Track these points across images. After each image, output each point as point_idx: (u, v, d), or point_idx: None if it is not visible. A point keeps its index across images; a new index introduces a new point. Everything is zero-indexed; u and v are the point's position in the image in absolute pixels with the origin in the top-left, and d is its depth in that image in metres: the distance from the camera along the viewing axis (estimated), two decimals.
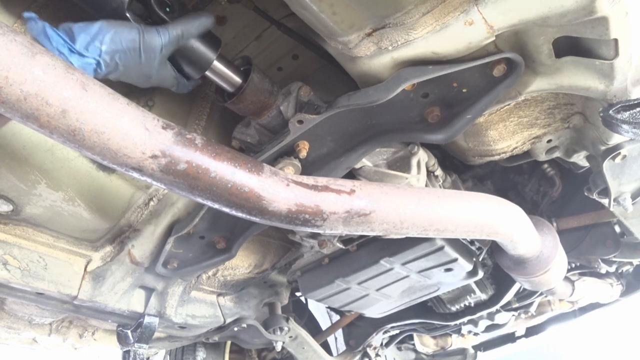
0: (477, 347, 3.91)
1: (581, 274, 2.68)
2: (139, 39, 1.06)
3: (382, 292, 2.09)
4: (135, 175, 0.86)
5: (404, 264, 1.85)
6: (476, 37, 1.07)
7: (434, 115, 1.30)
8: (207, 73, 1.25)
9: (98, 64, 1.02)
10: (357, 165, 1.49)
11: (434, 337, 3.44)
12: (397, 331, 3.19)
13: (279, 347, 2.55)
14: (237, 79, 1.30)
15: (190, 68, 1.23)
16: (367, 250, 1.89)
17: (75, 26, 1.00)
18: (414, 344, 3.42)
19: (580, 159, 1.65)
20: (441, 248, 1.74)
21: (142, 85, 1.19)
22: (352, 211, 1.02)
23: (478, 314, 2.71)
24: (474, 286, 2.51)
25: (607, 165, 1.49)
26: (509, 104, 1.39)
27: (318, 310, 3.73)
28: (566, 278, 2.52)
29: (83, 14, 1.09)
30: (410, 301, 2.28)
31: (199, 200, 0.93)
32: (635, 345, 5.68)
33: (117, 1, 1.07)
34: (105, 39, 1.02)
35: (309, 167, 1.41)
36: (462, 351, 3.86)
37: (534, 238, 1.56)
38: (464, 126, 1.27)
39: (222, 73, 1.28)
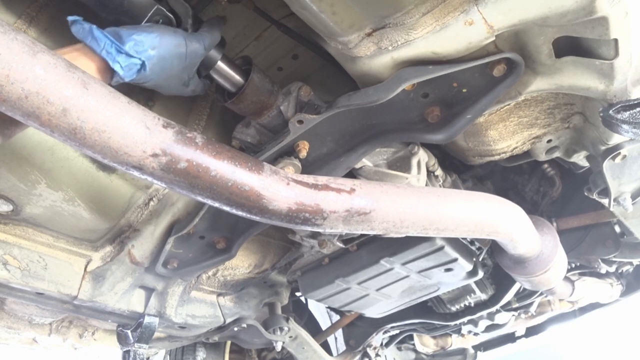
0: (477, 347, 3.91)
1: (581, 274, 2.68)
2: (185, 44, 1.09)
3: (382, 292, 2.09)
4: (136, 173, 0.86)
5: (404, 264, 1.85)
6: (476, 37, 1.07)
7: (434, 115, 1.30)
8: (209, 72, 1.25)
9: (143, 64, 1.03)
10: (357, 165, 1.49)
11: (434, 337, 3.44)
12: (397, 331, 3.19)
13: (279, 347, 2.55)
14: (238, 79, 1.30)
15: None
16: (367, 250, 1.89)
17: (122, 30, 1.02)
18: (414, 344, 3.42)
19: (580, 159, 1.65)
20: (441, 248, 1.74)
21: (179, 94, 1.22)
22: (352, 210, 1.02)
23: (478, 314, 2.71)
24: (474, 286, 2.51)
25: (607, 165, 1.49)
26: (509, 104, 1.39)
27: (318, 310, 3.73)
28: (566, 278, 2.52)
29: (85, 15, 1.09)
30: (410, 301, 2.28)
31: (199, 198, 0.93)
32: (635, 345, 5.68)
33: None
34: (155, 42, 1.04)
35: (309, 167, 1.41)
36: (462, 351, 3.86)
37: (534, 237, 1.56)
38: (464, 126, 1.27)
39: (224, 72, 1.28)
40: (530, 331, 3.60)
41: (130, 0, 1.07)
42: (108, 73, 1.00)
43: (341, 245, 1.81)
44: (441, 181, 1.76)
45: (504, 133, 1.49)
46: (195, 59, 1.14)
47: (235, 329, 2.30)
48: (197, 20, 1.21)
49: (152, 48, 1.03)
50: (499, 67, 1.18)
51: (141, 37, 1.02)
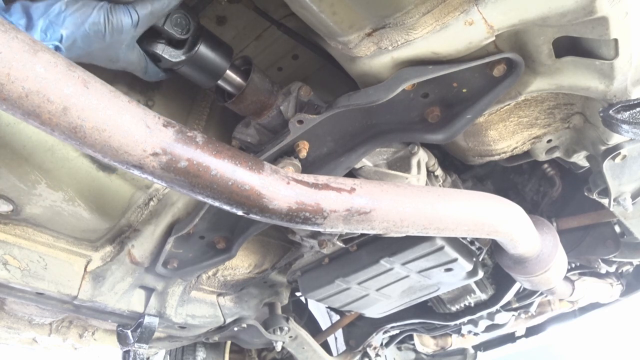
0: (477, 347, 3.91)
1: (581, 274, 2.68)
2: (104, 20, 0.99)
3: (382, 292, 2.09)
4: (136, 172, 0.86)
5: (404, 264, 1.85)
6: (476, 37, 1.07)
7: (434, 115, 1.30)
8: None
9: (57, 47, 0.96)
10: (358, 165, 1.49)
11: (434, 337, 3.44)
12: (397, 331, 3.19)
13: (279, 347, 2.55)
14: (238, 79, 1.30)
15: (202, 77, 1.22)
16: (367, 250, 1.89)
17: (33, 7, 0.93)
18: (414, 344, 3.42)
19: (580, 159, 1.65)
20: (441, 248, 1.74)
21: (108, 67, 1.12)
22: (352, 209, 1.02)
23: (478, 314, 2.71)
24: (474, 286, 2.52)
25: (607, 165, 1.49)
26: (509, 104, 1.39)
27: (318, 310, 3.73)
28: (566, 278, 2.52)
29: None
30: (410, 301, 2.28)
31: (200, 198, 0.93)
32: (635, 345, 5.68)
33: None
34: (67, 22, 0.95)
35: (309, 167, 1.41)
36: (462, 351, 3.86)
37: (534, 237, 1.56)
38: (464, 126, 1.27)
39: (224, 74, 1.28)
40: (530, 331, 3.61)
41: None
42: None
43: (341, 245, 1.81)
44: (441, 181, 1.76)
45: (504, 133, 1.49)
46: (121, 35, 1.01)
47: (235, 329, 2.30)
48: None
49: (63, 27, 0.95)
50: (499, 67, 1.18)
51: (52, 13, 0.93)
